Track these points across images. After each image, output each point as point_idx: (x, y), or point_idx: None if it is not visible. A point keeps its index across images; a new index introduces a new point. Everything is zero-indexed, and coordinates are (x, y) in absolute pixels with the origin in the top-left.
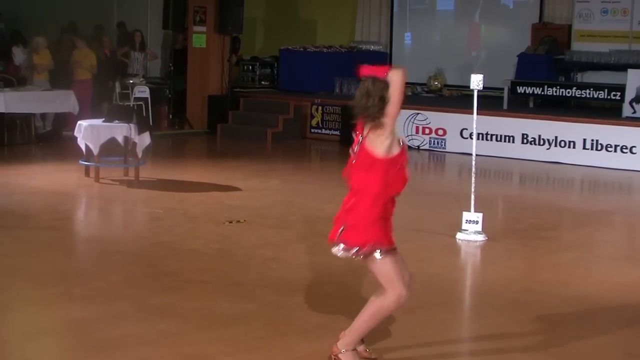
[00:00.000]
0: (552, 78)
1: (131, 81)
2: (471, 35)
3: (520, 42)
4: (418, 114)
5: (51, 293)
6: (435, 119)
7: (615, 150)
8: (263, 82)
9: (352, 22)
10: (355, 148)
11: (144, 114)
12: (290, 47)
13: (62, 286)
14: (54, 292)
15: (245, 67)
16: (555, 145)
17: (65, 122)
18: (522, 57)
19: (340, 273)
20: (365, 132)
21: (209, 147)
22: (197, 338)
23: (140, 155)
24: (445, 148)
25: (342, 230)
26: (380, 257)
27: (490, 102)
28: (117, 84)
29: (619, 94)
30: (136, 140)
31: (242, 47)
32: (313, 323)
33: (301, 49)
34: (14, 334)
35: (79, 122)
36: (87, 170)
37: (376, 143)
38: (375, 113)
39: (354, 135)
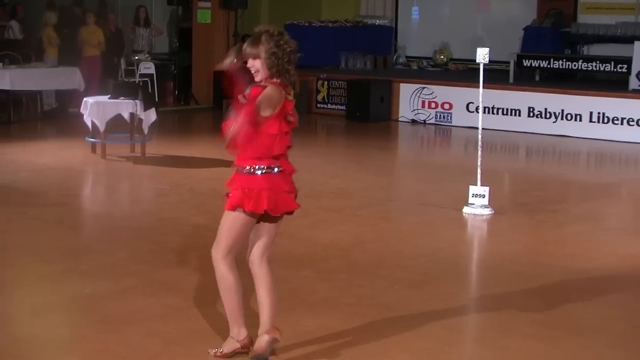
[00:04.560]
0: (558, 51)
1: (136, 57)
2: None
3: (526, 15)
4: (424, 88)
5: (59, 269)
6: (441, 93)
7: (621, 123)
8: None
9: None
10: (291, 117)
11: (150, 90)
12: (295, 22)
13: (70, 262)
14: (62, 268)
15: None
16: (562, 119)
17: (71, 99)
18: (528, 30)
19: (347, 247)
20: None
21: (214, 123)
22: (204, 313)
23: (146, 131)
24: (451, 122)
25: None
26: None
27: (497, 76)
28: (123, 61)
29: (625, 66)
30: (142, 117)
31: (242, 21)
32: (320, 297)
33: (307, 24)
34: (22, 310)
35: (84, 99)
36: (93, 147)
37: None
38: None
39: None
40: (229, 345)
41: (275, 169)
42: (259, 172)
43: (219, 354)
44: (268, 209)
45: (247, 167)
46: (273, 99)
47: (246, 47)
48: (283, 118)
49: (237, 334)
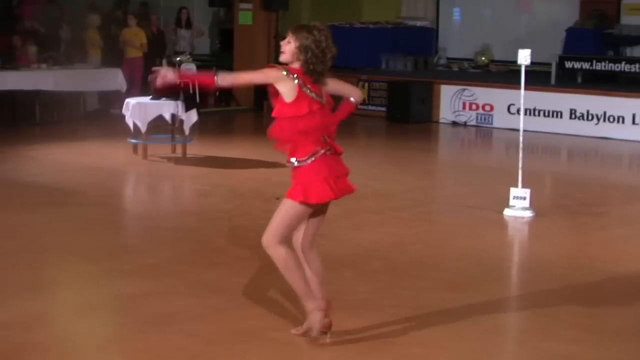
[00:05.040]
0: (600, 52)
1: (178, 59)
2: None
3: (569, 16)
4: (465, 89)
5: (101, 269)
6: (483, 94)
7: None
8: None
9: None
10: (316, 96)
11: (191, 92)
12: (336, 24)
13: (112, 262)
14: (104, 268)
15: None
16: (604, 121)
17: (113, 100)
18: (570, 31)
19: (388, 249)
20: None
21: (255, 124)
22: (245, 314)
23: (187, 132)
24: (492, 124)
25: None
26: None
27: (538, 77)
28: (164, 62)
29: None
30: (183, 118)
31: (283, 22)
32: (360, 299)
33: (347, 25)
34: (64, 309)
35: (126, 100)
36: (135, 147)
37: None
38: None
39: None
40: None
41: (324, 152)
42: (309, 161)
43: (301, 331)
44: (332, 197)
45: (298, 159)
46: (268, 74)
47: (290, 29)
48: (308, 98)
49: (315, 305)
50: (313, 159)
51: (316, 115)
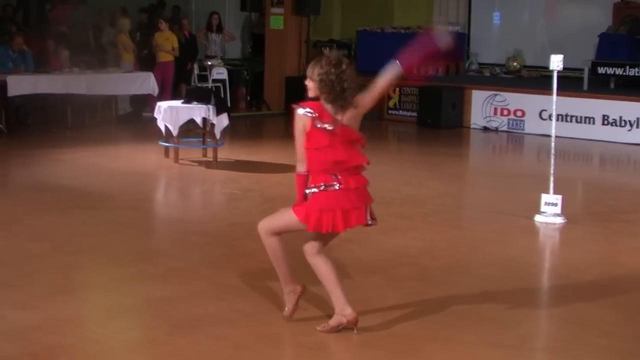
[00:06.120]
0: (634, 58)
1: (209, 63)
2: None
3: (601, 21)
4: (496, 95)
5: (131, 272)
6: (514, 100)
7: None
8: None
9: (429, 3)
10: (329, 127)
11: (222, 96)
12: (367, 29)
13: (142, 265)
14: (134, 271)
15: (323, 48)
16: (637, 127)
17: (145, 103)
18: (603, 37)
19: (417, 255)
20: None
21: (286, 129)
22: (274, 318)
23: (218, 136)
24: (524, 129)
25: (371, 207)
26: None
27: (570, 83)
28: (196, 66)
29: None
30: (214, 122)
31: (314, 27)
32: (389, 304)
33: (378, 30)
34: (95, 311)
35: (158, 104)
36: (166, 151)
37: (356, 123)
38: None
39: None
40: (335, 320)
41: (335, 186)
42: (316, 191)
43: (326, 328)
44: (328, 230)
45: (309, 189)
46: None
47: (308, 67)
48: (318, 134)
49: (289, 289)
50: (316, 190)
51: (323, 151)
